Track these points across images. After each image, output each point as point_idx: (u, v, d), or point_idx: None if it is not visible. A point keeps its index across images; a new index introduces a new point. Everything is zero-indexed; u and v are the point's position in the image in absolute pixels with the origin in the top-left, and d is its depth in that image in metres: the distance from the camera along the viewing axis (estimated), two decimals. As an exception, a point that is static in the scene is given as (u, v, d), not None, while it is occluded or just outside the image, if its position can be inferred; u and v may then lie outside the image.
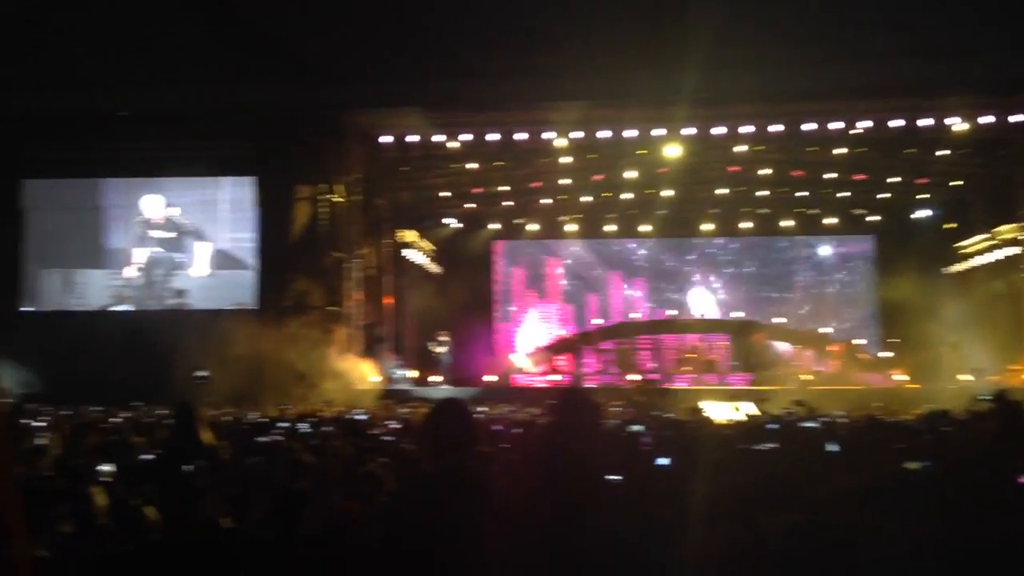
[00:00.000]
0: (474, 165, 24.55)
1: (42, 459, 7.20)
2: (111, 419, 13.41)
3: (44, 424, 10.54)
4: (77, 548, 4.52)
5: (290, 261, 22.64)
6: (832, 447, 7.59)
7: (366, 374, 22.79)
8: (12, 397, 16.88)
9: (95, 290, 23.63)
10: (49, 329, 22.38)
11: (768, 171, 25.19)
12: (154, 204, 23.60)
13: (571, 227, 29.84)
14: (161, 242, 23.53)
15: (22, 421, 9.86)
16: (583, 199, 27.67)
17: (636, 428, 10.25)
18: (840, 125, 21.63)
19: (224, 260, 23.56)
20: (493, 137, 22.47)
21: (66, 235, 23.68)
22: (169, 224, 23.50)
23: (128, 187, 23.79)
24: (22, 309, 23.16)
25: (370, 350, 23.75)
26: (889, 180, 25.88)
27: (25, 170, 23.22)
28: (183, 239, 23.54)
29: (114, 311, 23.31)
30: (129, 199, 23.74)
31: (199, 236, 23.51)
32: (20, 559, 2.42)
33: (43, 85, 19.86)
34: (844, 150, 23.15)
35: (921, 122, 21.23)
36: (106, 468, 6.85)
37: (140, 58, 18.53)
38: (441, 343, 25.46)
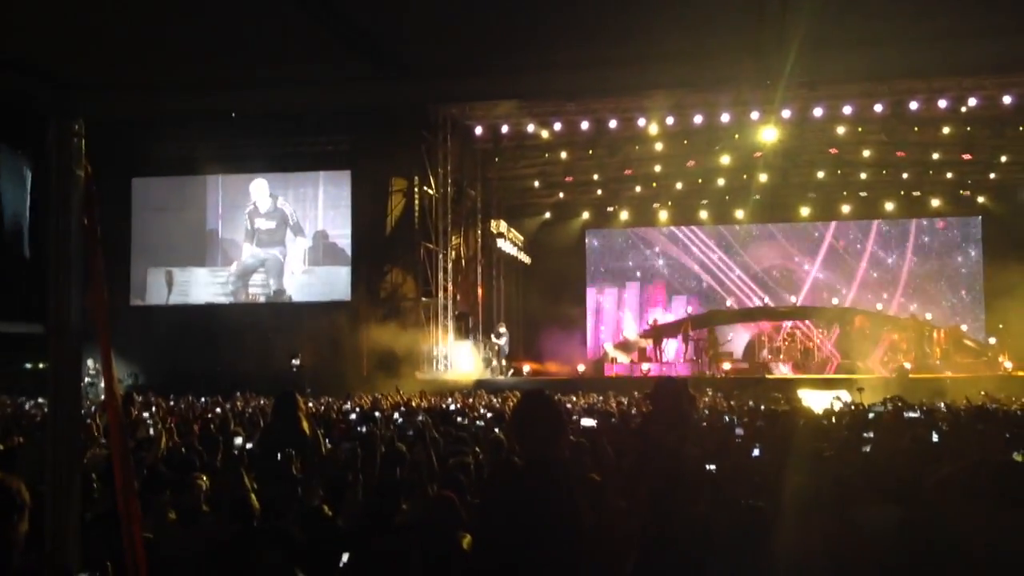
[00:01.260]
0: (565, 155, 24.46)
1: (150, 448, 7.50)
2: (215, 409, 13.91)
3: (147, 415, 10.98)
4: (181, 534, 4.71)
5: (384, 253, 23.00)
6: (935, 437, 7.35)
7: (458, 363, 23.01)
8: (123, 389, 17.60)
9: (199, 286, 24.44)
10: (156, 323, 23.25)
11: (869, 152, 24.38)
12: (261, 188, 24.29)
13: (663, 215, 29.49)
14: (264, 235, 24.14)
15: (134, 411, 10.27)
16: (676, 186, 27.27)
17: (728, 418, 10.13)
18: (946, 103, 20.83)
19: (321, 254, 24.06)
20: (585, 125, 22.35)
21: (172, 233, 24.50)
22: (274, 212, 24.11)
23: (229, 184, 24.48)
24: (132, 304, 24.04)
25: (462, 339, 23.96)
26: (998, 160, 24.75)
27: (134, 169, 24.00)
28: (284, 230, 24.10)
29: (216, 305, 24.03)
30: (231, 196, 24.45)
31: (299, 227, 24.04)
32: (137, 542, 2.56)
33: (153, 87, 20.48)
34: (950, 129, 22.25)
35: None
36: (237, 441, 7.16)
37: (242, 57, 18.96)
38: (500, 334, 25.25)
